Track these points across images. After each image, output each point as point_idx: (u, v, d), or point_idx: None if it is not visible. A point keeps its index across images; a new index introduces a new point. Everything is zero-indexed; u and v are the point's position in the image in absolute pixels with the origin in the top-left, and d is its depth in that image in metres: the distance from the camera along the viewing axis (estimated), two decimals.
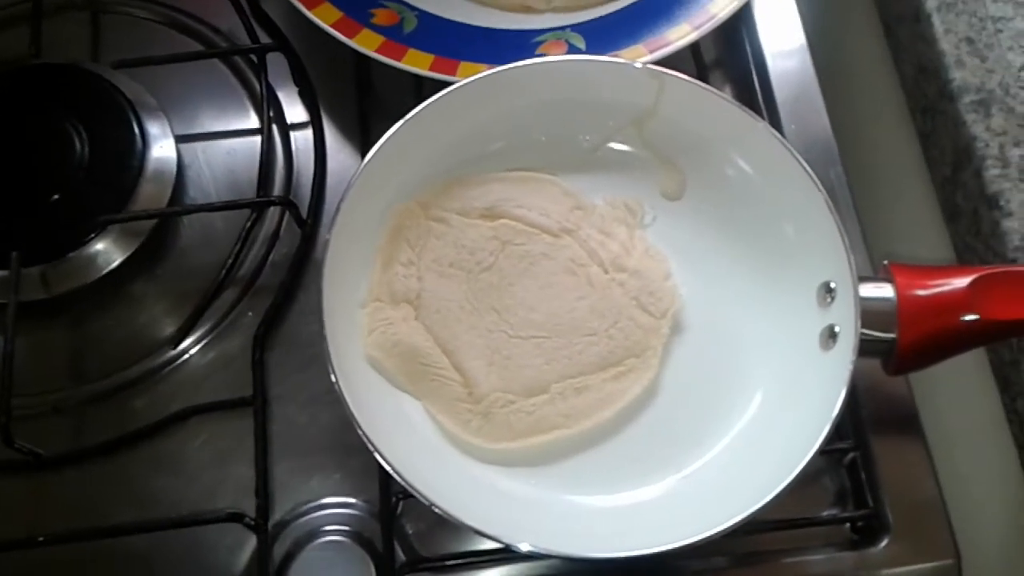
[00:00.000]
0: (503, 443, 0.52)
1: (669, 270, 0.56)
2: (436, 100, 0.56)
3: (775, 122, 0.63)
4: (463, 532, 0.47)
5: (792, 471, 0.47)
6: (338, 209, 0.53)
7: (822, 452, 0.52)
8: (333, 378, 0.49)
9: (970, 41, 0.59)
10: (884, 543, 0.53)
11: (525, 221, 0.56)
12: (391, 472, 0.47)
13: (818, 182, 0.53)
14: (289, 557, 0.54)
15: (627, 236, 0.57)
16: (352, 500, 0.55)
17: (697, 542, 0.46)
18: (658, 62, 0.57)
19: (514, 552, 0.48)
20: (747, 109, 0.55)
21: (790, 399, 0.52)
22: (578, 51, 0.61)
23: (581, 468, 0.52)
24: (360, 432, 0.48)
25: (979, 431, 0.59)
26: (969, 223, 0.58)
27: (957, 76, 0.58)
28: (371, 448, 0.48)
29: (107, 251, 0.60)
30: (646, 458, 0.52)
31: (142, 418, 0.57)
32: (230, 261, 0.60)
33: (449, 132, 0.57)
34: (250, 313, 0.60)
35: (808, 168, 0.53)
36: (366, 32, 0.61)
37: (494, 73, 0.56)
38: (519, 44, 0.62)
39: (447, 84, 0.57)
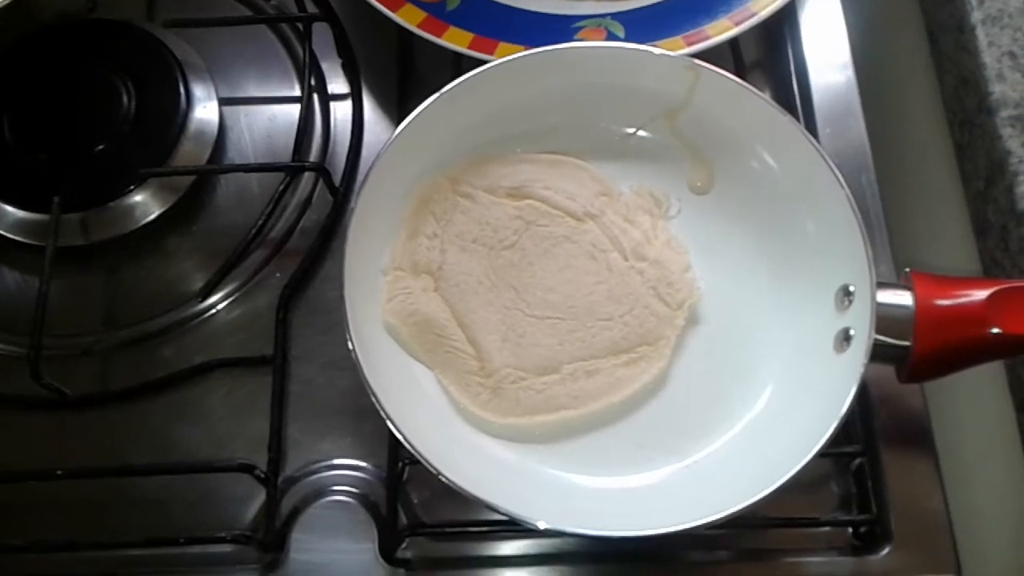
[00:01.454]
0: (511, 418, 0.53)
1: (689, 262, 0.56)
2: (471, 77, 0.56)
3: (810, 124, 0.63)
4: (466, 502, 0.48)
5: (794, 467, 0.48)
6: (367, 175, 0.54)
7: (830, 455, 0.53)
8: (350, 342, 0.50)
9: (1012, 56, 0.59)
10: (885, 551, 0.53)
11: (550, 203, 0.57)
12: (399, 437, 0.48)
13: (842, 179, 0.53)
14: (296, 512, 0.55)
15: (650, 225, 0.57)
16: (361, 463, 0.56)
17: (701, 526, 0.46)
18: (697, 56, 0.58)
19: (514, 526, 0.49)
20: (776, 104, 0.55)
21: (799, 398, 0.52)
22: (617, 39, 0.61)
23: (587, 449, 0.53)
24: (372, 395, 0.49)
25: (990, 447, 0.58)
26: (998, 238, 0.57)
27: (997, 90, 0.58)
28: (381, 412, 0.49)
29: (145, 203, 0.62)
30: (651, 445, 0.53)
31: (166, 367, 0.59)
32: (261, 222, 0.61)
33: (482, 110, 0.57)
34: (278, 274, 0.62)
35: (833, 166, 0.53)
36: (409, 7, 0.62)
37: (530, 55, 0.57)
38: (559, 28, 0.62)
39: (485, 62, 0.57)
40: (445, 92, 0.56)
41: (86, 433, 0.58)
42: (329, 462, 0.57)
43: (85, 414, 0.58)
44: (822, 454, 0.48)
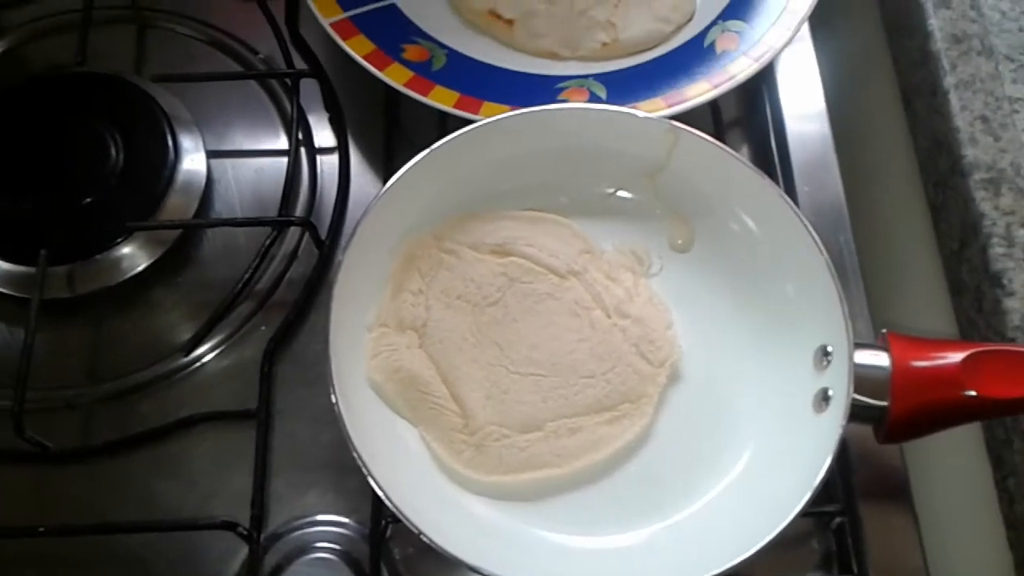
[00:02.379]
0: (494, 476, 0.53)
1: (671, 320, 0.57)
2: (457, 136, 0.57)
3: (789, 184, 0.65)
4: (449, 560, 0.48)
5: (775, 529, 0.48)
6: (353, 233, 0.55)
7: (809, 514, 0.53)
8: (333, 397, 0.51)
9: (985, 119, 0.60)
10: None
11: (534, 260, 0.58)
12: (381, 495, 0.49)
13: (821, 245, 0.54)
14: (278, 569, 0.55)
15: (632, 283, 0.58)
16: (345, 519, 0.56)
17: None
18: (677, 117, 0.59)
19: None
20: (756, 168, 0.57)
21: (779, 457, 0.53)
22: (599, 100, 0.63)
23: (569, 508, 0.53)
24: (354, 452, 0.49)
25: (969, 506, 0.59)
26: (972, 299, 0.59)
27: (969, 153, 0.59)
28: (364, 470, 0.49)
29: (132, 256, 0.63)
30: (633, 503, 0.53)
31: (150, 421, 0.59)
32: (248, 275, 0.62)
33: (468, 168, 0.58)
34: (263, 327, 0.62)
35: (812, 231, 0.54)
36: (396, 66, 0.63)
37: (515, 115, 0.58)
38: (542, 88, 0.63)
39: (471, 121, 0.59)
40: (431, 151, 0.57)
41: (68, 488, 0.58)
42: (312, 518, 0.57)
43: (67, 468, 0.58)
44: (803, 514, 0.49)
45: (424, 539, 0.48)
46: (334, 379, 0.51)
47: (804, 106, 0.67)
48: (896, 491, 0.56)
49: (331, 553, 0.55)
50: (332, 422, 0.51)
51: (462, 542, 0.48)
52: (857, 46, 0.75)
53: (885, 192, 0.71)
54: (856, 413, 0.50)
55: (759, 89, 0.68)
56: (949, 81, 0.62)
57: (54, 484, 0.58)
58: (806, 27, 0.68)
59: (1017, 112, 0.61)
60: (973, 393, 0.50)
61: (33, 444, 0.57)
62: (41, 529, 0.54)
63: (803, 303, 0.55)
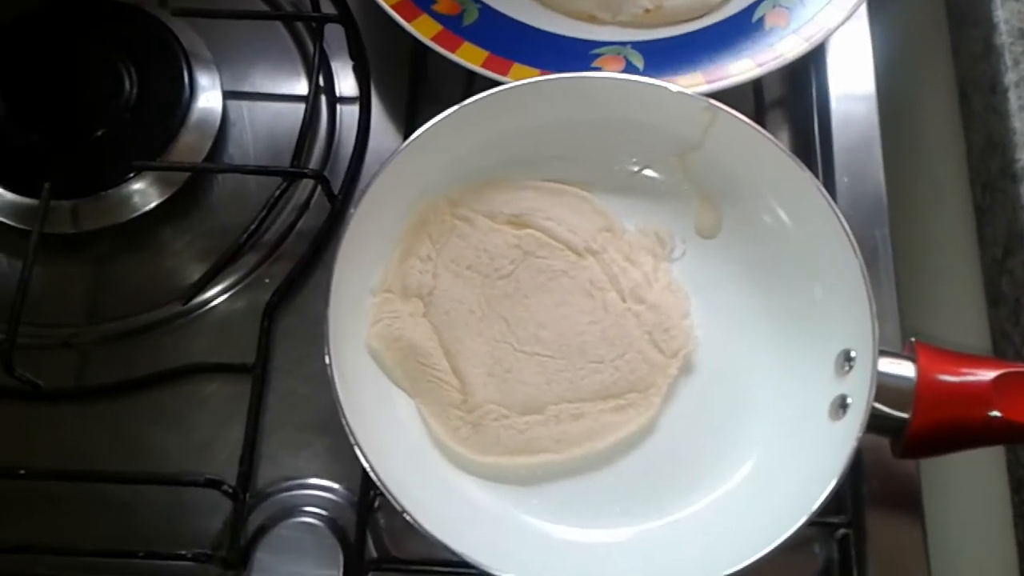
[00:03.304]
0: (489, 457, 0.52)
1: (688, 309, 0.55)
2: (484, 97, 0.55)
3: (828, 171, 0.61)
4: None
5: (776, 539, 0.46)
6: (365, 190, 0.53)
7: (814, 523, 0.51)
8: (327, 359, 0.49)
9: None
10: None
11: (551, 234, 0.55)
12: (367, 467, 0.47)
13: (856, 246, 0.51)
14: (262, 530, 0.54)
15: (652, 267, 0.55)
16: (334, 485, 0.55)
17: None
18: (716, 94, 0.56)
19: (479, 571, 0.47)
20: (796, 158, 0.53)
21: (788, 463, 0.51)
22: (635, 70, 0.59)
23: (563, 496, 0.52)
24: (343, 419, 0.48)
25: (982, 528, 0.57)
26: (1010, 311, 0.56)
27: None
28: (351, 438, 0.48)
29: (140, 194, 0.61)
30: (631, 497, 0.51)
31: (146, 367, 0.58)
32: (255, 225, 0.60)
33: (492, 131, 0.56)
34: (267, 280, 0.60)
35: (848, 230, 0.51)
36: (425, 18, 0.60)
37: (546, 81, 0.55)
38: (576, 53, 0.60)
39: (498, 83, 0.56)
40: (456, 110, 0.54)
41: (57, 428, 0.57)
42: (301, 480, 0.55)
43: (57, 408, 0.57)
44: (808, 523, 0.46)
45: (407, 518, 0.46)
46: (331, 341, 0.49)
47: (853, 90, 0.63)
48: (907, 506, 0.54)
49: (317, 519, 0.54)
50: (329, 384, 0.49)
51: (447, 524, 0.47)
52: (916, 31, 0.71)
53: (929, 189, 0.67)
54: (874, 424, 0.48)
55: (806, 69, 0.65)
56: (1010, 78, 0.58)
57: (43, 424, 0.57)
58: (863, 7, 0.64)
59: None
60: (999, 415, 0.47)
61: (23, 381, 0.55)
62: (22, 472, 0.53)
63: (830, 304, 0.52)
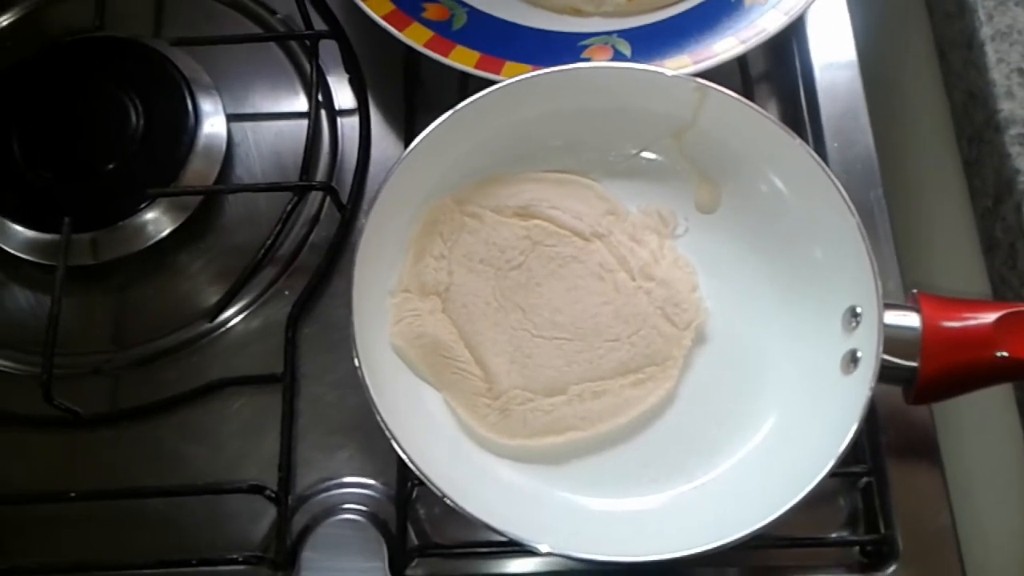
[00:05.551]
0: (518, 439, 0.53)
1: (696, 282, 0.57)
2: (479, 98, 0.57)
3: (818, 139, 0.63)
4: (474, 522, 0.48)
5: (801, 491, 0.48)
6: (375, 197, 0.54)
7: (837, 474, 0.53)
8: (356, 362, 0.51)
9: (1022, 72, 0.58)
10: (892, 569, 0.53)
11: (557, 223, 0.57)
12: (405, 459, 0.49)
13: (852, 206, 0.53)
14: (306, 531, 0.55)
15: (657, 245, 0.57)
16: (371, 481, 0.57)
17: (707, 552, 0.47)
18: (703, 74, 0.58)
19: (522, 547, 0.49)
20: (786, 127, 0.55)
21: (806, 419, 0.52)
22: (623, 57, 0.61)
23: (593, 470, 0.53)
24: (378, 417, 0.50)
25: (999, 467, 0.58)
26: (1006, 256, 0.57)
27: (1006, 107, 0.58)
28: (387, 433, 0.49)
29: (155, 222, 0.62)
30: (658, 465, 0.53)
31: (177, 386, 0.59)
32: (270, 241, 0.61)
33: (490, 130, 0.58)
34: (287, 292, 0.62)
35: (843, 191, 0.53)
36: (416, 26, 0.62)
37: (538, 75, 0.57)
38: (565, 46, 0.62)
39: (492, 82, 0.58)
40: (453, 113, 0.56)
41: (97, 453, 0.58)
42: (339, 480, 0.57)
43: (96, 433, 0.59)
44: (830, 474, 0.48)
45: (448, 502, 0.48)
46: (357, 344, 0.51)
47: (835, 59, 0.65)
48: (924, 451, 0.55)
49: (358, 515, 0.55)
50: (357, 386, 0.51)
51: (487, 505, 0.48)
52: None
53: (917, 147, 0.69)
54: (885, 374, 0.50)
55: (788, 42, 0.67)
56: (986, 32, 0.60)
57: (84, 449, 0.58)
58: None
59: None
60: (1005, 354, 0.49)
61: (63, 410, 0.57)
62: (72, 494, 0.55)
63: (832, 264, 0.54)
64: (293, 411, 0.58)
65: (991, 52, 0.59)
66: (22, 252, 0.62)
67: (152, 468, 0.58)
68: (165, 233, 0.62)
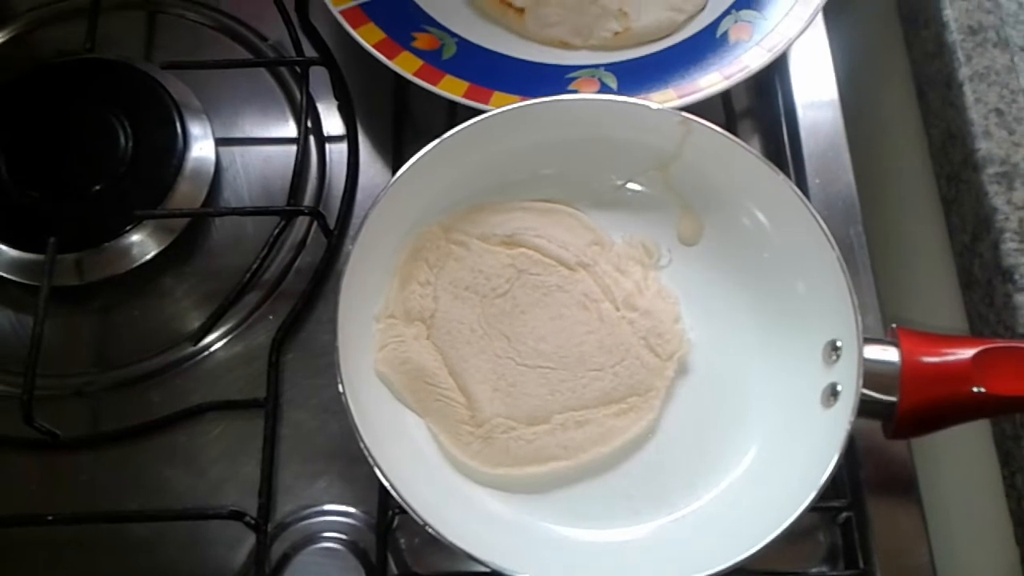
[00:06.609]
0: (501, 468, 0.53)
1: (679, 313, 0.57)
2: (467, 127, 0.57)
3: (800, 175, 0.64)
4: (455, 552, 0.48)
5: (782, 524, 0.48)
6: (363, 222, 0.55)
7: (817, 508, 0.53)
8: (341, 388, 0.51)
9: (999, 112, 0.60)
10: None
11: (543, 251, 0.58)
12: (387, 486, 0.49)
13: (832, 240, 0.53)
14: (285, 558, 0.55)
15: (641, 276, 0.58)
16: (351, 509, 0.57)
17: None
18: (687, 108, 0.58)
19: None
20: (768, 162, 0.56)
21: (787, 452, 0.53)
22: (610, 90, 0.62)
23: (575, 500, 0.53)
24: (361, 444, 0.50)
25: (977, 502, 0.59)
26: (983, 293, 0.58)
27: (983, 146, 0.59)
28: (370, 460, 0.49)
29: (141, 244, 0.62)
30: (640, 496, 0.53)
31: (158, 409, 0.59)
32: (256, 265, 0.62)
33: (477, 158, 0.58)
34: (271, 317, 0.62)
35: (824, 225, 0.54)
36: (406, 55, 0.62)
37: (526, 105, 0.58)
38: (553, 78, 0.63)
39: (480, 111, 0.58)
40: (441, 142, 0.56)
41: (77, 475, 0.58)
42: (319, 508, 0.57)
43: (76, 456, 0.58)
44: (810, 508, 0.48)
45: (430, 531, 0.48)
46: (342, 370, 0.51)
47: (817, 96, 0.67)
48: (903, 486, 0.56)
49: (338, 543, 0.55)
50: (340, 412, 0.51)
51: (468, 534, 0.48)
52: (871, 36, 0.75)
53: (897, 185, 0.70)
54: (865, 408, 0.50)
55: (771, 79, 0.68)
56: (964, 73, 0.61)
57: (64, 471, 0.58)
58: (820, 16, 0.68)
59: None
60: (982, 390, 0.50)
61: (43, 432, 0.57)
62: (49, 517, 0.55)
63: (813, 298, 0.55)
64: (275, 437, 0.58)
65: (969, 92, 0.60)
66: (6, 272, 0.62)
67: (131, 492, 0.58)
68: (151, 255, 0.62)
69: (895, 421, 0.51)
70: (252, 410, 0.59)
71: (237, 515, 0.55)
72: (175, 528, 0.56)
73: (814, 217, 0.54)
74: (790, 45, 0.63)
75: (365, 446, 0.50)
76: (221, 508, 0.55)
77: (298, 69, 0.68)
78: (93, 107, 0.65)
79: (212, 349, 0.61)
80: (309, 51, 0.68)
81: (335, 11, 0.64)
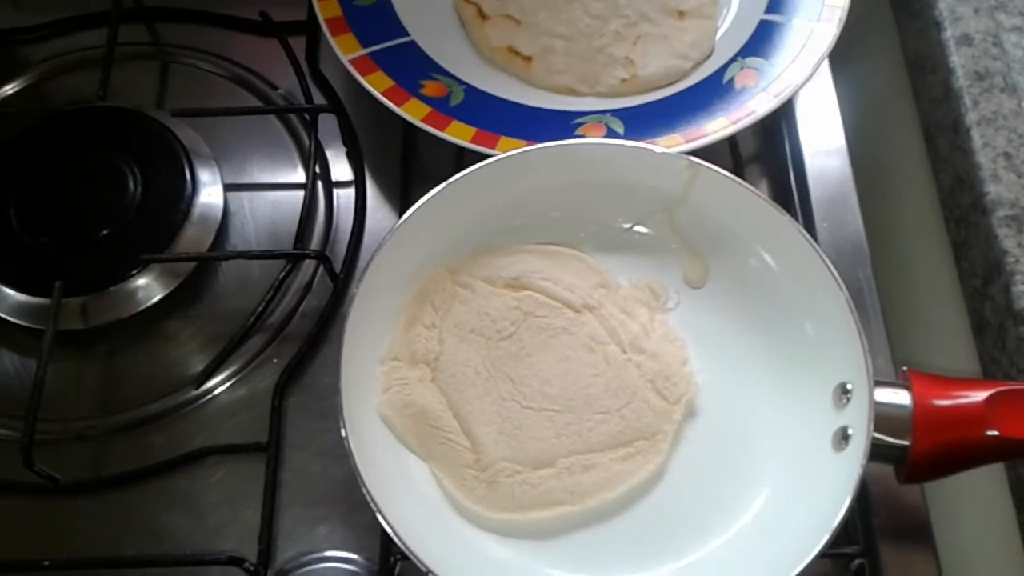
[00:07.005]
0: (505, 513, 0.52)
1: (687, 356, 0.56)
2: (474, 170, 0.57)
3: (808, 220, 0.64)
4: None
5: (793, 570, 0.47)
6: (368, 265, 0.55)
7: (829, 555, 0.52)
8: (343, 432, 0.50)
9: (1008, 156, 0.59)
10: None
11: (549, 294, 0.57)
12: (390, 532, 0.48)
13: (841, 282, 0.53)
14: None
15: (648, 318, 0.57)
16: (353, 556, 0.56)
17: None
18: (694, 153, 0.58)
19: None
20: (775, 204, 0.56)
21: (797, 497, 0.52)
22: (617, 135, 0.62)
23: (581, 546, 0.52)
24: (363, 489, 0.49)
25: (992, 549, 0.57)
26: (995, 337, 0.57)
27: (992, 190, 0.59)
28: (372, 506, 0.49)
29: (147, 288, 0.63)
30: (647, 542, 0.52)
31: (160, 453, 0.59)
32: (261, 308, 0.62)
33: (484, 202, 0.58)
34: (275, 360, 0.62)
35: (832, 267, 0.53)
36: (414, 101, 0.63)
37: (532, 150, 0.58)
38: (560, 124, 0.63)
39: (487, 156, 0.59)
40: (447, 185, 0.57)
41: (77, 520, 0.57)
42: (320, 554, 0.56)
43: (76, 501, 0.58)
44: (822, 554, 0.47)
45: None
46: (345, 413, 0.51)
47: (824, 142, 0.67)
48: (917, 533, 0.55)
49: None
50: (342, 456, 0.50)
51: None
52: (878, 82, 0.75)
53: (907, 229, 0.70)
54: (877, 452, 0.49)
55: (778, 125, 0.68)
56: (971, 118, 0.61)
57: (63, 516, 0.57)
58: (826, 63, 0.68)
59: None
60: (996, 433, 0.49)
61: (43, 476, 0.56)
62: (46, 563, 0.54)
63: (822, 340, 0.54)
64: (276, 481, 0.57)
65: (977, 136, 0.60)
66: (11, 316, 0.62)
67: (131, 537, 0.57)
68: (156, 299, 0.62)
69: (908, 465, 0.50)
70: (254, 454, 0.58)
71: (236, 561, 0.54)
72: (174, 574, 0.55)
73: (821, 258, 0.54)
74: (796, 91, 0.63)
75: (367, 491, 0.49)
76: (220, 554, 0.54)
77: (307, 116, 0.68)
78: (104, 154, 0.66)
79: (215, 393, 0.61)
80: (318, 99, 0.69)
81: (344, 59, 0.65)
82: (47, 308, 0.60)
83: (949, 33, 0.64)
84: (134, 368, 0.62)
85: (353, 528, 0.56)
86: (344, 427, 0.50)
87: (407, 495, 0.52)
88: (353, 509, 0.56)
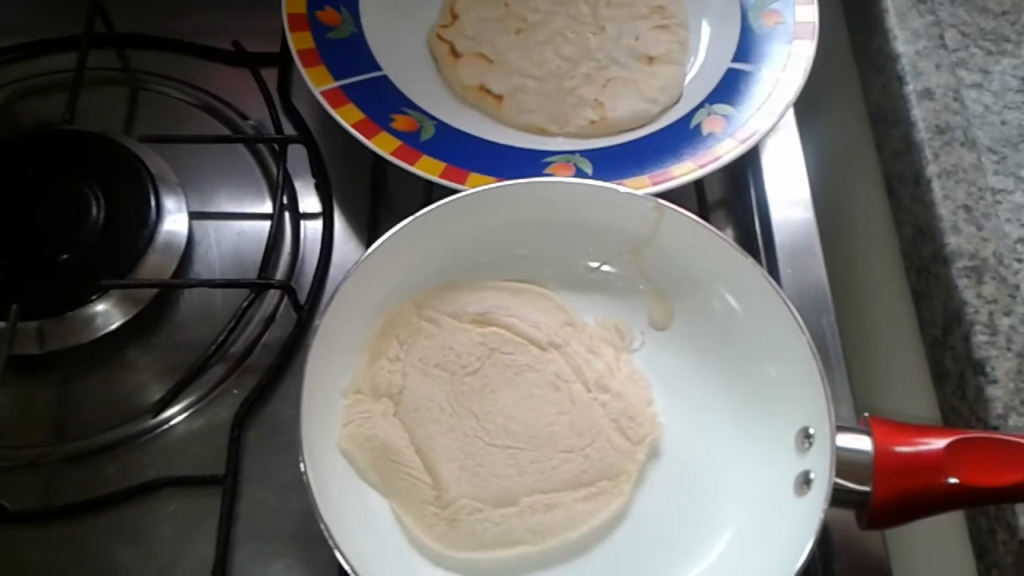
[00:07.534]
0: (466, 552, 0.52)
1: (651, 396, 0.56)
2: (442, 205, 0.57)
3: (772, 265, 0.65)
4: None
5: None
6: (332, 296, 0.54)
7: None
8: (302, 465, 0.49)
9: (967, 209, 0.61)
10: None
11: (515, 331, 0.57)
12: (348, 569, 0.47)
13: (803, 325, 0.53)
14: None
15: (614, 358, 0.57)
16: None
17: None
18: (662, 195, 0.59)
19: None
20: (739, 248, 0.57)
21: (759, 541, 0.51)
22: (585, 175, 0.63)
23: None
24: (321, 524, 0.48)
25: None
26: (955, 386, 0.58)
27: (952, 241, 0.60)
28: (330, 542, 0.48)
29: (106, 314, 0.61)
30: None
31: (113, 483, 0.57)
32: (223, 338, 0.61)
33: (452, 237, 0.58)
34: (235, 391, 0.61)
35: (795, 311, 0.54)
36: (384, 135, 0.63)
37: (500, 187, 0.58)
38: (529, 162, 0.64)
39: (456, 191, 0.59)
40: (415, 219, 0.57)
41: (25, 551, 0.55)
42: None
43: (25, 530, 0.56)
44: None
45: None
46: (304, 446, 0.50)
47: (789, 191, 0.68)
48: None
49: None
50: (301, 490, 0.49)
51: None
52: (842, 134, 0.76)
53: (869, 278, 0.71)
54: (838, 497, 0.49)
55: (744, 172, 0.69)
56: (932, 170, 0.62)
57: (11, 546, 0.55)
58: (791, 114, 0.69)
59: (999, 203, 0.61)
60: (956, 481, 0.49)
61: None
62: None
63: (785, 384, 0.54)
64: (232, 515, 0.56)
65: (937, 188, 0.62)
66: None
67: (80, 569, 0.55)
68: (115, 326, 0.61)
69: (869, 511, 0.50)
70: (210, 487, 0.57)
71: None
72: None
73: (784, 302, 0.54)
74: (762, 138, 0.64)
75: (325, 526, 0.48)
76: None
77: (276, 146, 0.68)
78: (68, 178, 0.65)
79: (172, 423, 0.60)
80: (289, 130, 0.69)
81: (316, 91, 0.65)
82: (2, 331, 0.58)
83: (911, 88, 0.66)
84: (90, 395, 0.61)
85: (310, 564, 0.55)
86: (303, 461, 0.49)
87: (366, 531, 0.51)
88: (311, 545, 0.55)
